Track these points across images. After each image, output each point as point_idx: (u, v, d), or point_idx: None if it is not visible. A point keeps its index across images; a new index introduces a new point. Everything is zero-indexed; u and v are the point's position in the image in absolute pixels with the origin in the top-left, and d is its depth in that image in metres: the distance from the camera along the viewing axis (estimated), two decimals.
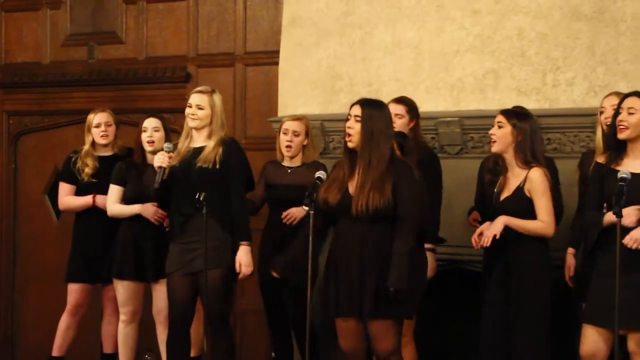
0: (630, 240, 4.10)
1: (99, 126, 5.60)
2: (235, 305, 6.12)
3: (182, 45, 7.02)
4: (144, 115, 5.62)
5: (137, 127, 5.50)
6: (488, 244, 4.45)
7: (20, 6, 7.53)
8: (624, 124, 4.27)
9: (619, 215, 3.90)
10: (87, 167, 5.55)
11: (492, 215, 4.56)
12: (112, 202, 5.39)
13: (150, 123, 5.38)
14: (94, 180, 5.54)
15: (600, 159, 4.43)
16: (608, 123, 4.62)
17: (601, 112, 4.81)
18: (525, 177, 4.48)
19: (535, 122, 4.67)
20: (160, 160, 4.88)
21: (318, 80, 6.12)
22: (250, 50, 6.84)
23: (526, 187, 4.47)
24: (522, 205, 4.47)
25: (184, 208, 4.84)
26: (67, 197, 5.66)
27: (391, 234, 4.33)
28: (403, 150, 4.85)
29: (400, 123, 5.06)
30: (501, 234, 4.46)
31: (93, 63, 7.30)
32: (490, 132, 4.59)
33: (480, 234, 4.53)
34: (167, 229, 5.21)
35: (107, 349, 5.74)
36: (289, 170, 5.34)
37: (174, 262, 4.89)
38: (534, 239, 4.48)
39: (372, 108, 4.42)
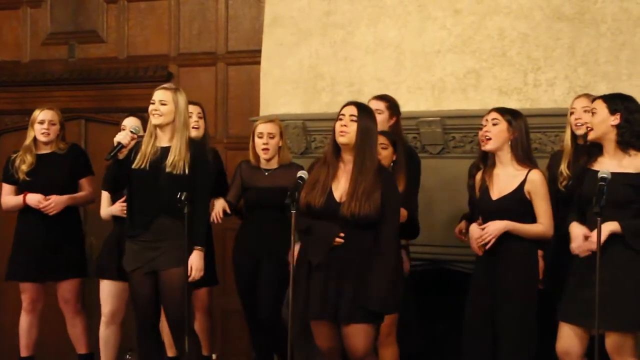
0: (578, 249, 4.12)
1: (42, 123, 5.60)
2: (217, 306, 6.11)
3: (164, 45, 7.01)
4: (124, 114, 5.58)
5: (118, 126, 5.46)
6: (488, 246, 4.35)
7: (0, 4, 7.49)
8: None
9: (600, 214, 3.90)
10: (24, 165, 5.55)
11: (486, 214, 4.47)
12: (104, 207, 5.48)
13: (130, 122, 5.35)
14: (28, 178, 5.54)
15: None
16: (577, 124, 4.71)
17: (571, 113, 4.81)
18: (525, 178, 4.40)
19: (526, 120, 4.64)
20: (122, 136, 4.78)
21: (300, 79, 6.11)
22: (231, 50, 6.84)
23: (526, 188, 4.39)
24: (520, 205, 4.39)
25: (148, 209, 4.75)
26: (5, 198, 5.68)
27: (371, 239, 4.26)
28: (396, 147, 4.85)
29: (379, 119, 5.04)
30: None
31: (74, 62, 7.27)
32: (485, 129, 4.49)
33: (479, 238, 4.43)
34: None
35: (81, 349, 5.73)
36: (267, 173, 5.30)
37: (134, 260, 4.81)
38: (524, 238, 4.40)
39: (366, 110, 4.42)
